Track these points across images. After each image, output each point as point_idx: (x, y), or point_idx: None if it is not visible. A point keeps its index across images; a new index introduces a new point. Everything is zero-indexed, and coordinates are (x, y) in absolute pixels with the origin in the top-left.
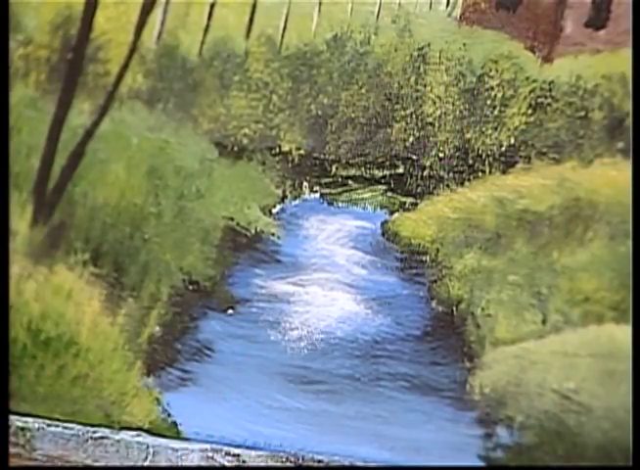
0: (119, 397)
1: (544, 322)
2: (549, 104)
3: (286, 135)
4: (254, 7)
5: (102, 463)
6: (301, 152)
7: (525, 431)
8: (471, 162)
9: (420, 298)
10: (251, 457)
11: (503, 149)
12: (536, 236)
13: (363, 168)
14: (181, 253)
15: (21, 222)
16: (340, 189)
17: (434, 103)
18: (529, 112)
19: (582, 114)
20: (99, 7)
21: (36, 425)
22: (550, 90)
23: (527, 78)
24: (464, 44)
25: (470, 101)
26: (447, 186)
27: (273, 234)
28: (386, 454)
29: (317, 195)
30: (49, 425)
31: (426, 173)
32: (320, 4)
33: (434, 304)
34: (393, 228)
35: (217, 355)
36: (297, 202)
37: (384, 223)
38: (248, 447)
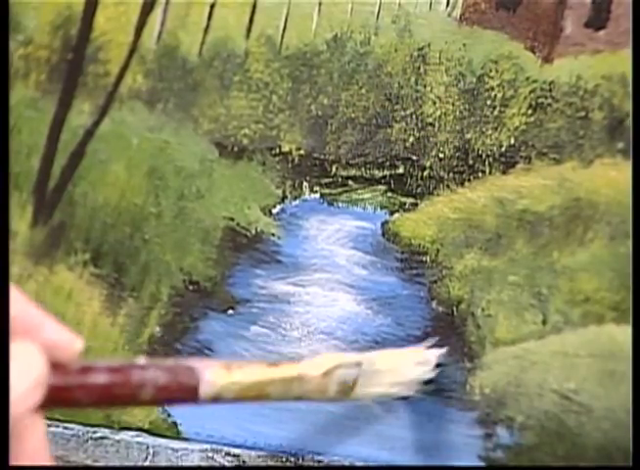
0: None
1: (544, 322)
2: (549, 104)
3: (286, 135)
4: (254, 7)
5: (102, 463)
6: (301, 152)
7: (525, 431)
8: (471, 162)
9: (420, 298)
10: (251, 457)
11: (503, 149)
12: (537, 236)
13: (363, 169)
14: (181, 253)
15: (21, 223)
16: (340, 189)
17: (435, 103)
18: (530, 112)
19: (582, 114)
20: (99, 7)
21: None
22: (550, 90)
23: (528, 79)
24: (464, 44)
25: (470, 101)
26: (447, 186)
27: (273, 234)
28: (386, 454)
29: (317, 195)
30: (49, 425)
31: (426, 174)
32: (320, 4)
33: (434, 304)
34: (394, 228)
35: (217, 356)
36: (297, 202)
37: (384, 224)
38: (248, 447)
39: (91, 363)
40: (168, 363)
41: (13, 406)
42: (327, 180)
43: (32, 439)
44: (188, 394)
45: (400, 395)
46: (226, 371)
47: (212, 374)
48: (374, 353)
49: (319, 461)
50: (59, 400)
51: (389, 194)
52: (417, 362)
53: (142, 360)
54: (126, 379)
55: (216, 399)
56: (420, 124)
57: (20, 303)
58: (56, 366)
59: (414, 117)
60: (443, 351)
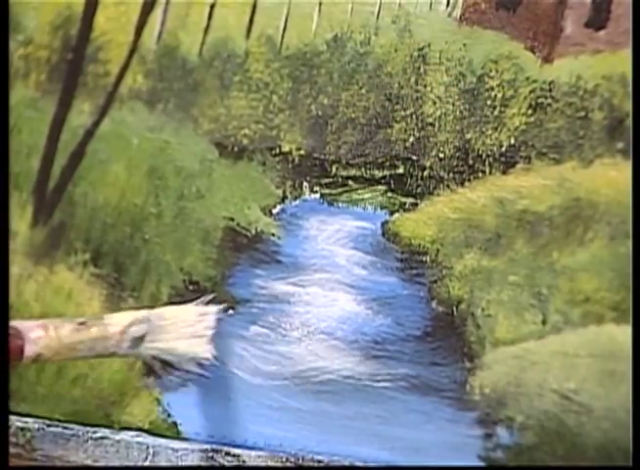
0: (119, 397)
1: (544, 322)
2: (549, 104)
3: (286, 135)
4: (255, 7)
5: (102, 463)
6: (302, 152)
7: (524, 431)
8: (471, 162)
9: (420, 298)
10: (250, 457)
11: (503, 149)
12: (536, 236)
13: (363, 169)
14: (181, 253)
15: (21, 223)
16: (340, 189)
17: (435, 103)
18: (530, 112)
19: (582, 114)
20: (99, 7)
21: (36, 425)
22: (550, 90)
23: (528, 79)
24: (464, 44)
25: (470, 101)
26: (447, 186)
27: (273, 234)
28: (386, 454)
29: (317, 195)
30: (49, 425)
31: (426, 174)
32: (320, 4)
33: (434, 304)
34: (394, 229)
35: (218, 356)
36: (297, 202)
37: (384, 224)
38: (248, 447)
39: None
40: None
41: None
42: (327, 180)
43: None
44: (16, 354)
45: (184, 351)
46: (44, 332)
47: (35, 334)
48: (162, 309)
49: (319, 461)
50: None
51: (390, 194)
52: (199, 316)
53: None
54: None
55: (37, 359)
56: (420, 124)
57: None
58: None
59: (414, 117)
60: (220, 306)
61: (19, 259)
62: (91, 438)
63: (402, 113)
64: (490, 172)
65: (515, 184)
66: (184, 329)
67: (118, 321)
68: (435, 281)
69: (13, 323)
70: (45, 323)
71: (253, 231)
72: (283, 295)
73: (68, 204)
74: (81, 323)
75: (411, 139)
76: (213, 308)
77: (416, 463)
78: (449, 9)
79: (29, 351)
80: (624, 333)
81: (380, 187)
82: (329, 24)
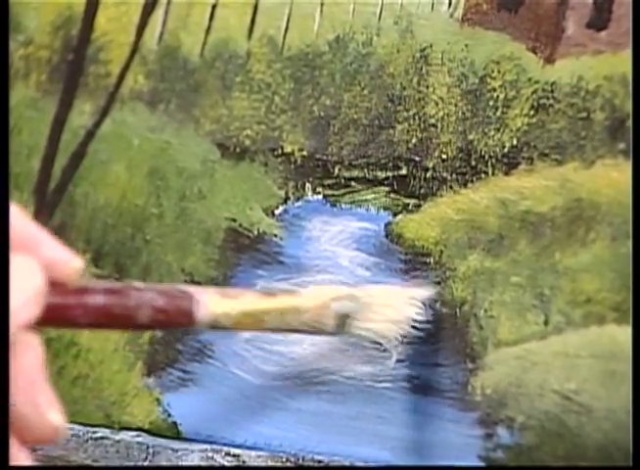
0: (120, 397)
1: (546, 323)
2: (551, 105)
3: (288, 136)
4: (256, 8)
5: (102, 463)
6: (304, 153)
7: (525, 431)
8: (473, 163)
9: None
10: (251, 457)
11: (505, 150)
12: (539, 237)
13: (366, 170)
14: (183, 254)
15: None
16: (342, 190)
17: (437, 104)
18: (532, 113)
19: (584, 115)
20: (100, 7)
21: None
22: (552, 91)
23: (530, 80)
24: (466, 45)
25: (472, 102)
26: (450, 188)
27: (276, 235)
28: (386, 454)
29: (320, 196)
30: None
31: (429, 175)
32: (322, 5)
33: (437, 305)
34: (397, 230)
35: (218, 356)
36: (299, 203)
37: (387, 225)
38: (248, 447)
39: (89, 284)
40: (165, 287)
41: (10, 318)
42: (330, 181)
43: (29, 355)
44: (184, 318)
45: (393, 335)
46: (222, 298)
47: (209, 300)
48: (371, 288)
49: (319, 461)
50: (56, 319)
51: (393, 195)
52: (410, 301)
53: (139, 283)
54: (124, 300)
55: (213, 326)
56: (422, 125)
57: (19, 219)
58: (54, 285)
59: (416, 117)
60: (433, 291)
61: None
62: (91, 438)
63: (405, 114)
64: (493, 173)
65: (517, 185)
66: (396, 311)
67: (314, 294)
68: (439, 282)
69: (180, 286)
70: (224, 291)
71: (255, 232)
72: None
73: (68, 204)
74: (269, 294)
75: (414, 140)
76: (424, 294)
77: (416, 463)
78: (451, 10)
79: (201, 314)
80: (625, 333)
81: (383, 188)
82: (331, 25)
